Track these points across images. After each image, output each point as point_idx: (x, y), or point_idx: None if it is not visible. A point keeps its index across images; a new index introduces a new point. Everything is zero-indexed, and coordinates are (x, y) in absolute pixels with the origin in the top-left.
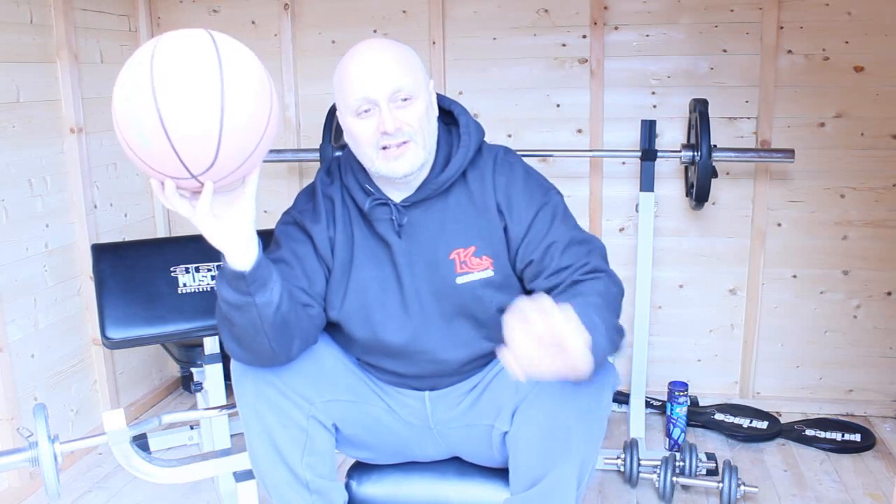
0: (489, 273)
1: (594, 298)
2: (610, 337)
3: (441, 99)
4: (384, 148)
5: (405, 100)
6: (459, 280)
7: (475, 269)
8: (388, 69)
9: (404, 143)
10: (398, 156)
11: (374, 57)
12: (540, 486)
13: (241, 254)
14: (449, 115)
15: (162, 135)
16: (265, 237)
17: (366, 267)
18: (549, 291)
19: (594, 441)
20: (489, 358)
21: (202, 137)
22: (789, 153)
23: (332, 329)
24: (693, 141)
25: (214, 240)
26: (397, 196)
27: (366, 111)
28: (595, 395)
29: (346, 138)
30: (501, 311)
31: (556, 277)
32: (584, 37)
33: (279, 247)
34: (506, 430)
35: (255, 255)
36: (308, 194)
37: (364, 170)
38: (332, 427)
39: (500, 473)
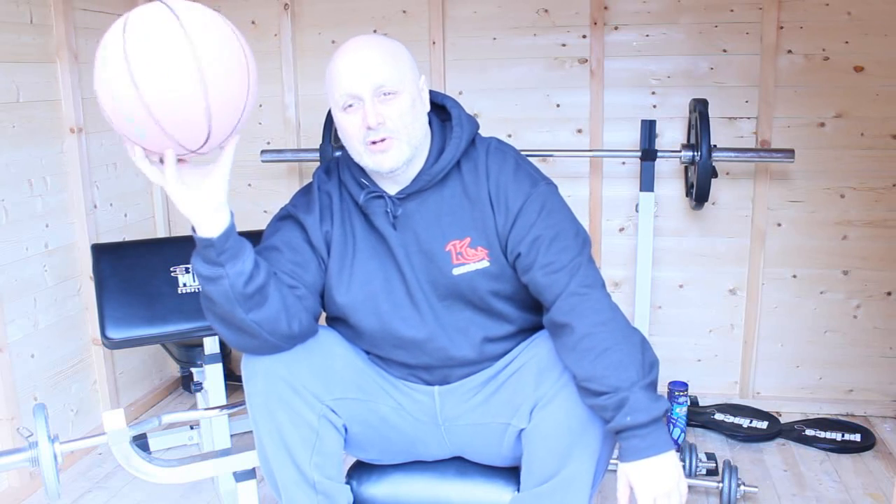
0: (485, 264)
1: (625, 354)
2: (655, 387)
3: (434, 95)
4: (372, 143)
5: (388, 94)
6: (456, 271)
7: (471, 260)
8: (372, 65)
9: (388, 139)
10: (383, 150)
11: (359, 53)
12: (554, 481)
13: (209, 222)
14: (444, 111)
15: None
16: (260, 237)
17: (368, 259)
18: (546, 288)
19: (611, 439)
20: (498, 346)
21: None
22: (789, 153)
23: (340, 324)
24: (693, 141)
25: (182, 207)
26: (392, 189)
27: (350, 106)
28: None
29: (338, 133)
30: (497, 298)
31: (550, 276)
32: (584, 37)
33: (270, 237)
34: (523, 427)
35: (226, 224)
36: (304, 191)
37: (359, 165)
38: (343, 428)
39: (502, 473)
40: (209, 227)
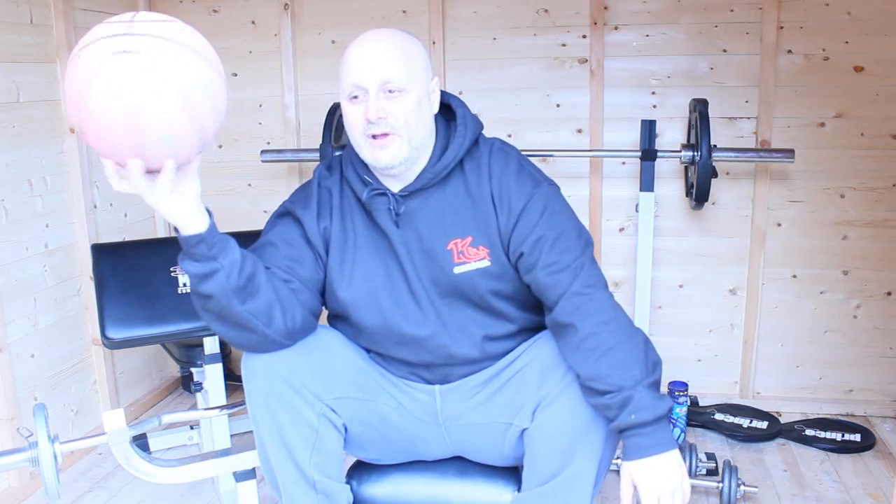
0: (486, 263)
1: (629, 353)
2: (658, 386)
3: (441, 94)
4: (372, 136)
5: (393, 91)
6: (457, 270)
7: (472, 259)
8: (381, 59)
9: (387, 135)
10: (382, 146)
11: (372, 46)
12: (556, 481)
13: (195, 220)
14: (449, 110)
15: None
16: (258, 238)
17: (369, 256)
18: (548, 287)
19: (615, 438)
20: (499, 344)
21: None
22: (789, 153)
23: (340, 322)
24: (693, 141)
25: (171, 212)
26: (395, 186)
27: (356, 97)
28: None
29: (343, 122)
30: (497, 297)
31: (553, 276)
32: (584, 37)
33: (267, 233)
34: (525, 426)
35: (209, 219)
36: (303, 187)
37: (363, 162)
38: (343, 427)
39: (502, 473)
40: (196, 224)
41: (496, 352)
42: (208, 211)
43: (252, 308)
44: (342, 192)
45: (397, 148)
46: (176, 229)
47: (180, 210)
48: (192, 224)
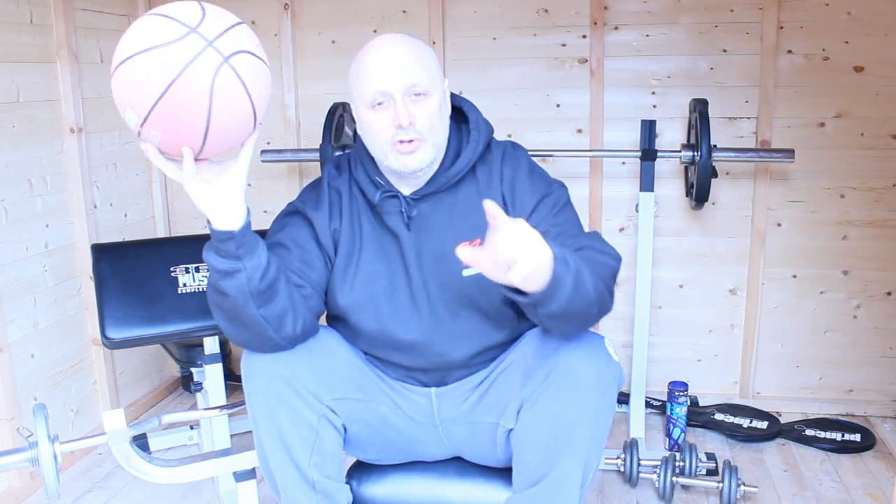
0: None
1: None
2: (576, 281)
3: (452, 97)
4: (400, 142)
5: (419, 95)
6: (466, 273)
7: None
8: (405, 63)
9: (415, 140)
10: (410, 151)
11: (392, 51)
12: (543, 484)
13: (226, 215)
14: (459, 113)
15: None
16: (263, 237)
17: (374, 259)
18: None
19: (599, 439)
20: (496, 352)
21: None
22: (789, 153)
23: (339, 324)
24: (693, 141)
25: (198, 201)
26: (407, 189)
27: (380, 104)
28: (601, 394)
29: (360, 130)
30: (507, 303)
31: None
32: (584, 37)
33: (277, 233)
34: (511, 427)
35: (244, 218)
36: (313, 186)
37: (374, 163)
38: (342, 427)
39: (501, 473)
40: (227, 220)
41: (492, 357)
42: (248, 209)
43: (266, 313)
44: (351, 193)
45: (424, 153)
46: (208, 220)
47: (209, 201)
48: (222, 219)
